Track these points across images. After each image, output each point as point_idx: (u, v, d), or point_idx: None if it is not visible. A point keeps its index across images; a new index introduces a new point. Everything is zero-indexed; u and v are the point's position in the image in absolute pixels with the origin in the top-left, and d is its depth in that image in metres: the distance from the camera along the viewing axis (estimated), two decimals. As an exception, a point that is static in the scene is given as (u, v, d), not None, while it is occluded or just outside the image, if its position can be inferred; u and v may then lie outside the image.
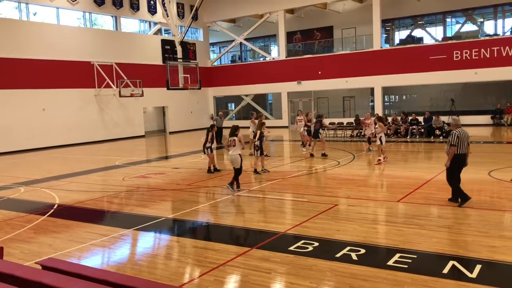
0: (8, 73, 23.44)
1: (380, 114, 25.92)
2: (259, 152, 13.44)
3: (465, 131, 8.75)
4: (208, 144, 13.77)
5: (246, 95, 36.16)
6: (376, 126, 14.75)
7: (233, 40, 35.99)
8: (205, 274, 5.82)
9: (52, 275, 3.74)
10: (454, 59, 26.73)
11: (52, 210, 9.93)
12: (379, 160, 14.31)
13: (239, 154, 10.87)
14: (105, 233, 7.95)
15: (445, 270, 5.60)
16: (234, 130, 11.05)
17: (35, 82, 24.65)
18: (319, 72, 31.26)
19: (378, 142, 14.52)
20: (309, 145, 17.80)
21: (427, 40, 31.56)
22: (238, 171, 10.92)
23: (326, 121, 27.06)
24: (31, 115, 24.46)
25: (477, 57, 26.13)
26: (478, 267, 5.62)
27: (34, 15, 26.36)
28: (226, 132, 13.58)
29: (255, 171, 13.27)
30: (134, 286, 3.50)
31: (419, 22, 32.98)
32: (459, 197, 8.73)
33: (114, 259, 6.80)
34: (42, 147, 24.64)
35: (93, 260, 6.72)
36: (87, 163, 18.03)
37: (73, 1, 26.89)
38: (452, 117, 11.31)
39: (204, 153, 14.14)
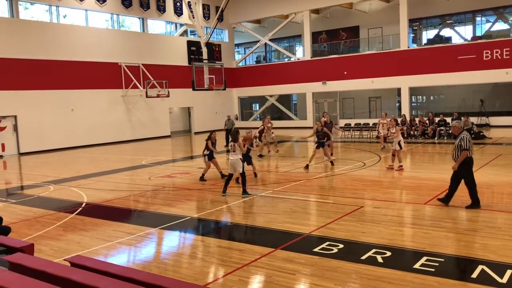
0: (38, 74, 24.07)
1: (407, 115, 25.57)
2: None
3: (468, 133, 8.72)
4: (206, 152, 13.18)
5: (271, 96, 36.16)
6: (394, 130, 13.68)
7: (258, 41, 36.06)
8: (230, 274, 5.84)
9: (80, 272, 3.82)
10: (484, 58, 26.12)
11: (80, 209, 10.14)
12: (400, 166, 13.31)
13: (240, 158, 10.62)
14: (132, 231, 8.06)
15: (474, 275, 5.47)
16: (235, 135, 10.81)
17: (64, 83, 25.23)
18: (345, 72, 31.01)
19: (398, 147, 13.40)
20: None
21: (456, 40, 30.91)
22: (242, 176, 10.66)
23: (343, 122, 26.86)
24: (61, 115, 25.06)
25: (508, 57, 25.48)
26: (509, 272, 5.47)
27: (64, 17, 27.01)
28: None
29: (255, 175, 13.04)
30: (159, 285, 3.53)
31: (447, 22, 32.32)
32: (473, 199, 8.53)
33: (140, 257, 6.89)
34: (70, 146, 25.22)
35: (120, 258, 6.82)
36: (114, 163, 18.34)
37: (101, 3, 27.42)
38: (462, 119, 11.06)
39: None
